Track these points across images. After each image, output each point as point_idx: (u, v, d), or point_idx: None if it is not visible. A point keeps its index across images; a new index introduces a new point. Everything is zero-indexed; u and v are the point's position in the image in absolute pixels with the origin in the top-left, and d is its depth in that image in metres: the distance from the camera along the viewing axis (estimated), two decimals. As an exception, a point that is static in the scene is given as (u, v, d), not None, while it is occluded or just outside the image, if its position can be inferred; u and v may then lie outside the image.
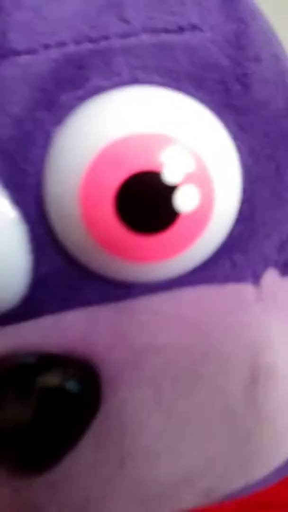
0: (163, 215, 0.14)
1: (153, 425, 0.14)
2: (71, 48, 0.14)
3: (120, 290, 0.16)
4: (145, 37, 0.14)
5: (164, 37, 0.14)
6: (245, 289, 0.16)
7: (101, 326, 0.15)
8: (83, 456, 0.14)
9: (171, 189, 0.14)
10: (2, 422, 0.14)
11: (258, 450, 0.15)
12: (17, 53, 0.14)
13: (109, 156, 0.14)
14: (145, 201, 0.14)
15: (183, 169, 0.14)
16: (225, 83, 0.14)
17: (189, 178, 0.14)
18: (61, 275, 0.16)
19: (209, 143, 0.14)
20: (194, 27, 0.14)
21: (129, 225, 0.14)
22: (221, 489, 0.15)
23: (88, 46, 0.14)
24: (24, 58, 0.14)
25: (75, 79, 0.14)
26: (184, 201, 0.14)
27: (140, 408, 0.14)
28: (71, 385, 0.14)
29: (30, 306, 0.16)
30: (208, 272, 0.16)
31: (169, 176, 0.13)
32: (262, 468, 0.16)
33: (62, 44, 0.14)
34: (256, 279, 0.16)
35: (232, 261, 0.16)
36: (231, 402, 0.14)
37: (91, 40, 0.14)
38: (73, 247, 0.15)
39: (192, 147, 0.14)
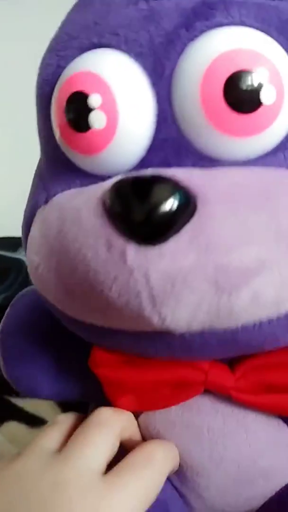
0: (252, 101, 0.22)
1: (230, 227, 0.21)
2: None
3: (208, 162, 0.23)
4: (251, -1, 0.23)
5: (262, 0, 0.23)
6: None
7: (195, 173, 0.22)
8: (182, 238, 0.21)
9: (259, 85, 0.21)
10: (132, 215, 0.21)
11: None
12: None
13: (223, 58, 0.22)
14: (243, 90, 0.21)
15: (268, 74, 0.22)
16: (297, 35, 0.23)
17: (271, 81, 0.22)
18: (171, 143, 0.23)
19: (283, 65, 0.22)
20: (281, -2, 0.23)
21: (231, 105, 0.22)
22: (264, 295, 0.22)
23: None
24: (177, -2, 0.23)
25: (206, 14, 0.22)
26: (266, 95, 0.22)
27: (222, 214, 0.21)
28: (179, 193, 0.21)
29: (143, 165, 0.24)
30: (268, 160, 0.23)
31: (259, 76, 0.22)
32: None
33: (201, -7, 0.23)
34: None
35: (285, 155, 0.23)
36: (282, 224, 0.21)
37: (219, -6, 0.23)
38: (186, 121, 0.23)
39: (273, 62, 0.22)
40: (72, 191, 0.25)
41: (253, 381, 0.28)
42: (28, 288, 0.38)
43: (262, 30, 0.23)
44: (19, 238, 0.30)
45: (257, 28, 0.22)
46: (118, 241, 0.21)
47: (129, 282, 0.21)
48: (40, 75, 0.27)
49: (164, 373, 0.29)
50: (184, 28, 0.22)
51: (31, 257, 0.26)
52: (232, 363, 0.29)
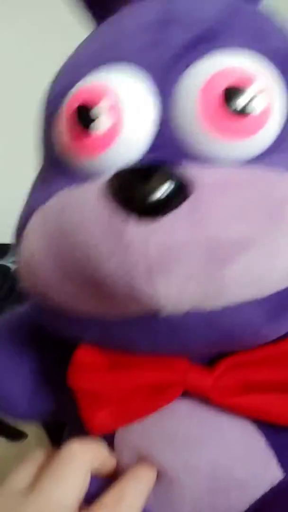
0: (245, 108, 0.25)
1: (223, 205, 0.23)
2: (211, 24, 0.27)
3: (201, 163, 0.26)
4: (249, 30, 0.27)
5: (259, 32, 0.27)
6: (279, 172, 0.26)
7: (193, 167, 0.25)
8: (179, 213, 0.23)
9: (251, 96, 0.25)
10: (134, 194, 0.23)
11: (277, 251, 0.23)
12: (182, 24, 0.27)
13: (223, 73, 0.25)
14: (237, 98, 0.25)
15: (260, 88, 0.25)
16: (285, 60, 0.27)
17: (261, 94, 0.25)
18: (168, 147, 0.26)
19: (274, 83, 0.26)
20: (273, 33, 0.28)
21: (226, 112, 0.25)
22: (252, 272, 0.23)
23: (220, 26, 0.27)
24: (185, 27, 0.27)
25: (210, 38, 0.27)
26: (257, 104, 0.25)
27: (216, 194, 0.23)
28: (176, 177, 0.23)
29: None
30: (257, 162, 0.26)
31: (251, 89, 0.25)
32: (277, 275, 0.24)
33: (206, 23, 0.27)
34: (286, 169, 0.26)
35: (271, 159, 0.26)
36: (270, 209, 0.23)
37: (222, 23, 0.27)
38: (184, 124, 0.26)
39: (266, 79, 0.26)
40: (72, 187, 0.27)
41: (232, 380, 0.29)
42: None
43: (259, 53, 0.26)
44: (5, 245, 0.32)
45: (255, 51, 0.26)
46: (120, 213, 0.23)
47: (126, 254, 0.23)
48: (52, 88, 0.30)
49: (142, 376, 0.29)
50: (191, 49, 0.26)
51: (27, 245, 0.27)
52: (211, 365, 0.30)
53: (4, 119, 0.77)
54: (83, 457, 0.29)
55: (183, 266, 0.23)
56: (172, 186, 0.23)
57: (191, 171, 0.24)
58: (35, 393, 0.36)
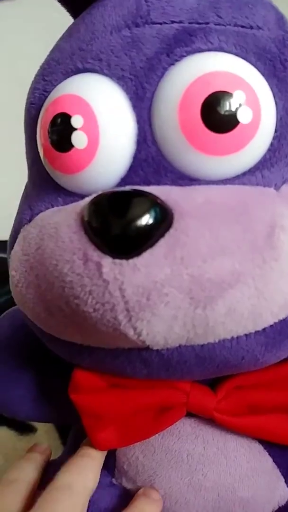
0: (229, 120, 0.22)
1: (204, 240, 0.21)
2: (186, 25, 0.24)
3: (186, 181, 0.24)
4: (230, 27, 0.24)
5: (241, 29, 0.24)
6: (269, 190, 0.24)
7: (173, 191, 0.23)
8: (157, 251, 0.21)
9: (236, 106, 0.22)
10: (109, 229, 0.21)
11: (268, 283, 0.21)
12: (155, 23, 0.24)
13: (201, 80, 0.22)
14: (219, 110, 0.22)
15: (244, 95, 0.22)
16: (273, 61, 0.24)
17: (248, 102, 0.22)
18: (150, 162, 0.24)
19: (260, 89, 0.23)
20: (259, 27, 0.24)
21: (208, 125, 0.22)
22: (240, 308, 0.22)
23: (196, 25, 0.24)
24: (158, 26, 0.24)
25: (186, 41, 0.23)
26: (243, 115, 0.22)
27: (197, 228, 0.21)
28: (155, 208, 0.21)
29: (123, 184, 0.24)
30: (246, 179, 0.24)
31: (235, 96, 0.22)
32: (271, 308, 0.22)
33: (181, 22, 0.24)
34: (276, 188, 0.24)
35: (262, 174, 0.24)
36: (257, 237, 0.21)
37: (198, 23, 0.24)
38: (165, 142, 0.23)
39: (250, 84, 0.23)
40: (54, 209, 0.26)
41: (236, 402, 0.28)
42: (12, 308, 0.38)
43: (240, 56, 0.24)
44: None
45: (235, 54, 0.23)
46: (94, 254, 0.21)
47: (104, 295, 0.21)
48: (28, 99, 0.28)
49: (145, 396, 0.28)
50: (165, 54, 0.23)
51: (12, 273, 0.26)
52: (214, 385, 0.28)
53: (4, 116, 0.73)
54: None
55: (165, 307, 0.21)
56: (151, 219, 0.21)
57: (171, 195, 0.22)
58: (37, 400, 0.35)
